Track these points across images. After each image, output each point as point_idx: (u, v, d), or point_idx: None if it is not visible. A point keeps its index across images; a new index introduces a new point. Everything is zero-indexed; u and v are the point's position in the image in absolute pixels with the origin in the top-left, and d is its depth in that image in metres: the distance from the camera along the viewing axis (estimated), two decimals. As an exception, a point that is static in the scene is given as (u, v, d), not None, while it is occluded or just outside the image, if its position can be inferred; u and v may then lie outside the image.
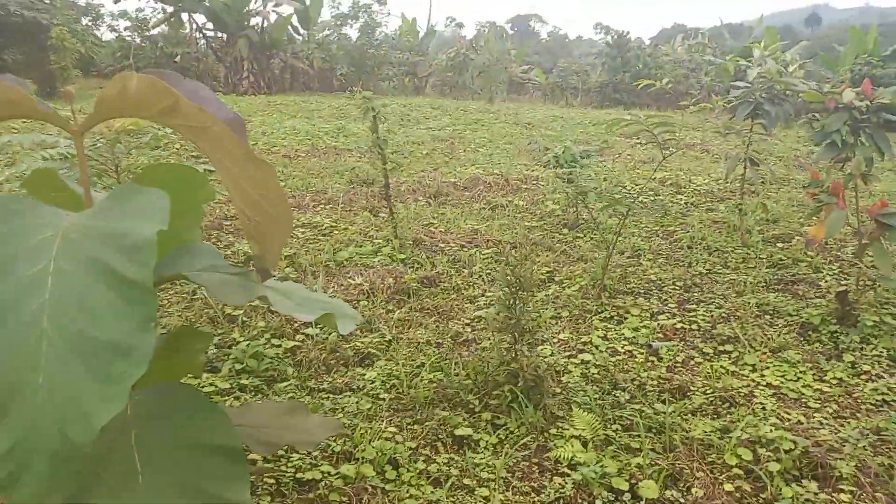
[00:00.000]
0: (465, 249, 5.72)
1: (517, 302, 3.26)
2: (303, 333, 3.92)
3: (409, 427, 3.06)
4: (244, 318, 4.05)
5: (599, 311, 4.62)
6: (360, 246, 5.66)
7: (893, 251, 5.99)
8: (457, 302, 4.69)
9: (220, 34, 22.35)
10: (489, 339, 3.98)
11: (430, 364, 3.60)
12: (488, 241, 5.96)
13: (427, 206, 7.08)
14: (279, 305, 1.78)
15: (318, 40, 23.16)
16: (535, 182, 8.32)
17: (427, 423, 3.08)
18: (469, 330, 4.22)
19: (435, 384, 3.43)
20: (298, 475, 2.62)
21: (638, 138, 11.84)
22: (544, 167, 7.11)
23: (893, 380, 3.80)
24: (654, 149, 11.19)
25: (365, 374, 3.53)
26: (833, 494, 2.78)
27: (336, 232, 6.06)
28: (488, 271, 5.26)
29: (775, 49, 19.52)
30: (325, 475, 2.64)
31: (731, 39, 26.47)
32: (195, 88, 1.70)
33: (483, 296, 4.80)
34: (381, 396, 3.33)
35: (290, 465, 2.71)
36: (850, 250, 5.82)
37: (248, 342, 3.68)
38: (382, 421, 3.09)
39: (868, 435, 3.22)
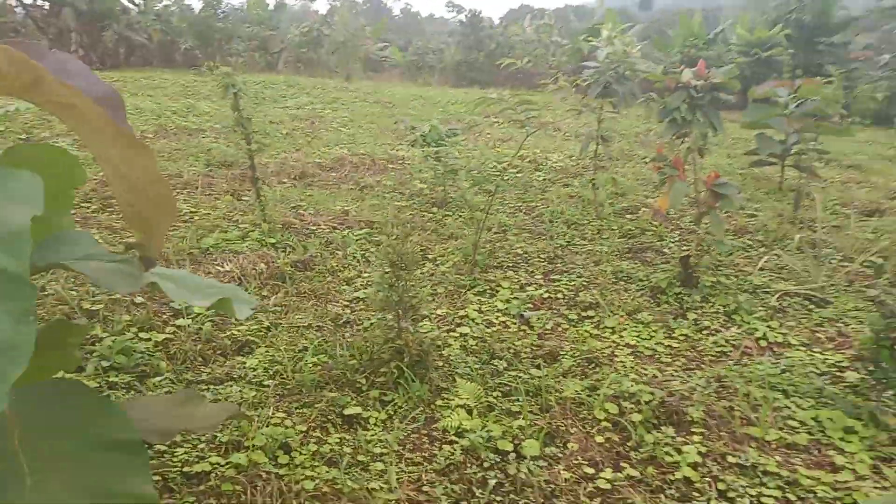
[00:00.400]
0: (338, 231, 5.67)
1: (399, 280, 3.31)
2: (173, 325, 3.73)
3: (297, 411, 3.04)
4: (105, 313, 3.77)
5: (473, 285, 4.80)
6: (226, 231, 5.43)
7: (725, 218, 6.74)
8: (333, 284, 4.67)
9: (40, 2, 20.06)
10: (370, 319, 4.03)
11: (314, 347, 3.57)
12: (360, 221, 5.95)
13: (293, 188, 6.91)
14: (172, 293, 1.70)
15: (157, 11, 21.49)
16: (401, 161, 8.38)
17: (316, 406, 3.07)
18: (349, 311, 4.22)
19: (320, 367, 3.42)
20: (186, 469, 2.52)
21: (496, 118, 12.29)
22: (411, 146, 7.18)
23: (729, 333, 4.31)
24: (511, 128, 11.69)
25: (245, 363, 3.44)
26: (687, 437, 3.14)
27: (197, 218, 5.76)
28: (363, 252, 5.27)
29: (617, 31, 20.92)
30: (215, 466, 2.56)
31: (577, 21, 27.92)
32: (64, 61, 1.57)
33: (360, 277, 4.82)
34: (265, 383, 3.26)
35: (175, 459, 2.60)
36: (689, 219, 6.46)
37: (113, 338, 3.44)
38: (269, 407, 3.04)
39: (712, 382, 3.65)
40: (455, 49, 23.70)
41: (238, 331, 3.76)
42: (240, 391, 3.15)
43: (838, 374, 3.79)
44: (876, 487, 2.84)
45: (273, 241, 5.25)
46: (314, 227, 5.69)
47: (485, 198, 5.63)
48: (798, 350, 4.09)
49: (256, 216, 5.61)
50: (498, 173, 7.89)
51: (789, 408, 3.43)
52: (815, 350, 4.10)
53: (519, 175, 8.07)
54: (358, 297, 4.42)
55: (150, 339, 3.51)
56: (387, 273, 3.32)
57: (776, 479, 2.88)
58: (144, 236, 1.80)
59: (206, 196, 6.45)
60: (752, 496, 2.75)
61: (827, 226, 6.55)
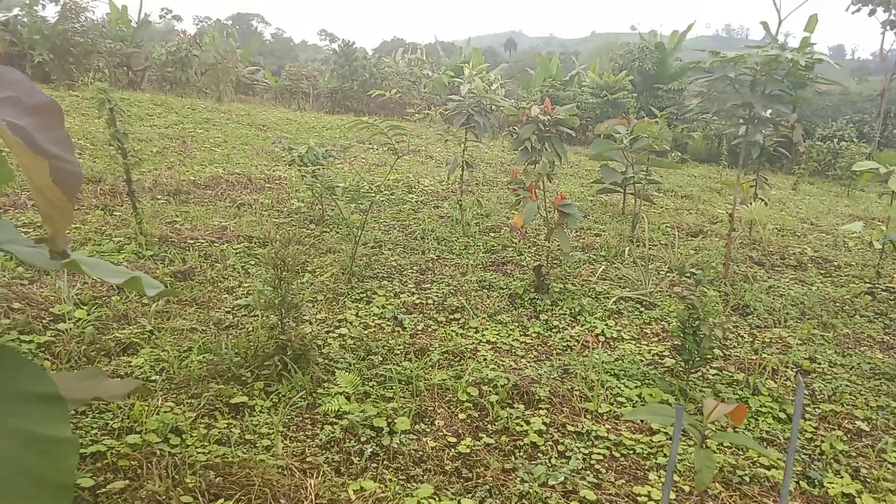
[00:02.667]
0: (216, 245, 5.82)
1: (282, 281, 3.62)
2: (54, 329, 3.77)
3: (186, 402, 3.25)
4: (-23, 319, 3.74)
5: (350, 294, 5.15)
6: (99, 244, 5.42)
7: (575, 237, 7.59)
8: (214, 293, 4.84)
9: None
10: (253, 324, 4.27)
11: (198, 347, 3.77)
12: (239, 236, 6.13)
13: (168, 205, 6.93)
14: (90, 272, 1.95)
15: (4, 21, 20.06)
16: (278, 181, 8.58)
17: (203, 396, 3.29)
18: (231, 317, 4.43)
19: (206, 363, 3.63)
20: (81, 451, 2.68)
21: (370, 144, 12.75)
22: (289, 166, 7.43)
23: (574, 330, 4.98)
24: (385, 153, 12.20)
25: (131, 362, 3.58)
26: (535, 412, 3.68)
27: (67, 232, 5.67)
28: (243, 264, 5.46)
29: (481, 69, 22.23)
30: (110, 448, 2.73)
31: (445, 56, 29.23)
32: (2, 73, 1.80)
33: (240, 287, 5.02)
34: (152, 379, 3.43)
35: (67, 447, 2.73)
36: (542, 235, 7.22)
37: (-10, 341, 3.45)
38: (158, 398, 3.22)
39: (557, 370, 4.25)
40: (329, 77, 24.03)
41: (121, 334, 3.87)
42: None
43: (659, 360, 4.53)
44: (681, 444, 3.51)
45: (150, 253, 5.32)
46: (192, 241, 5.80)
47: (360, 216, 6.03)
48: (629, 343, 4.82)
49: (132, 230, 5.63)
50: (374, 194, 8.32)
51: (619, 388, 4.09)
52: (642, 343, 4.85)
53: (393, 196, 8.54)
54: (240, 305, 4.64)
55: (31, 342, 3.55)
56: (270, 275, 3.62)
57: (606, 441, 3.47)
58: (50, 232, 2.02)
59: (74, 210, 6.32)
60: (584, 454, 3.32)
61: (658, 243, 7.57)
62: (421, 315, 4.96)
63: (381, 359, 4.08)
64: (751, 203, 8.07)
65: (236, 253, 5.67)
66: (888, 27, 21.72)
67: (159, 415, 3.04)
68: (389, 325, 4.67)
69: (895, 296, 6.27)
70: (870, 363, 4.66)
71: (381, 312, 4.87)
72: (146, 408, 3.09)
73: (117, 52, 21.89)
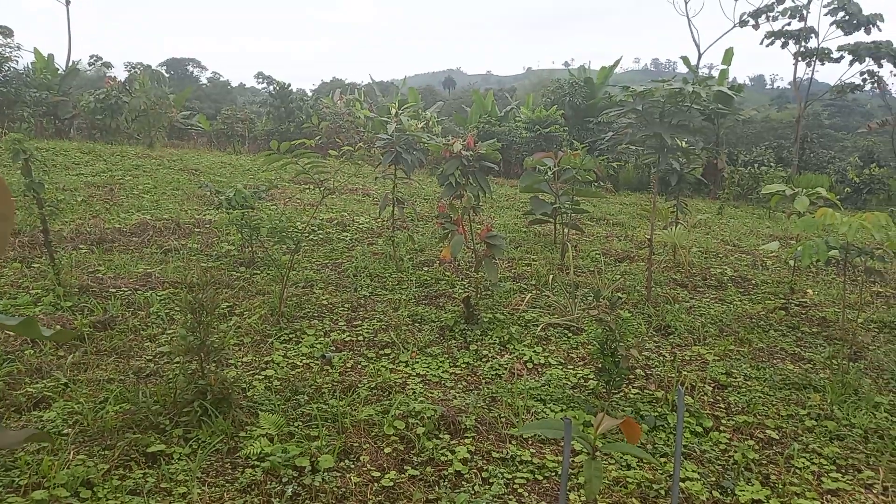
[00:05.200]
0: (140, 292, 5.71)
1: (200, 325, 3.60)
2: (-41, 388, 3.63)
3: (99, 453, 3.16)
4: None
5: (279, 334, 5.13)
6: (15, 297, 5.25)
7: (507, 267, 7.75)
8: (136, 342, 4.74)
9: None
10: (174, 371, 4.19)
11: (115, 397, 3.69)
12: (164, 283, 6.03)
13: (91, 254, 6.77)
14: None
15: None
16: (207, 225, 8.49)
17: (118, 447, 3.22)
18: (152, 365, 4.35)
19: (123, 413, 3.55)
20: (-18, 513, 2.58)
21: (304, 183, 12.75)
22: (217, 210, 7.38)
23: (503, 359, 5.07)
24: (320, 193, 12.23)
25: (43, 416, 3.47)
26: (460, 440, 3.73)
27: (-21, 285, 5.48)
28: (167, 311, 5.37)
29: (417, 107, 22.59)
30: (14, 506, 2.64)
31: (382, 96, 29.62)
32: None
33: (164, 333, 4.93)
34: (63, 432, 3.33)
35: (-33, 508, 2.63)
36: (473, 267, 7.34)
37: None
38: (69, 452, 3.13)
39: (485, 398, 4.32)
40: (266, 119, 23.99)
41: (34, 388, 3.75)
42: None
43: (584, 383, 4.66)
44: (604, 462, 3.61)
45: (69, 304, 5.18)
46: (114, 290, 5.67)
47: (290, 257, 6.02)
48: (556, 368, 4.94)
49: (49, 281, 5.48)
50: (307, 233, 8.32)
51: (545, 412, 4.18)
52: (569, 367, 4.97)
53: (326, 235, 8.56)
54: (162, 352, 4.55)
55: (-69, 401, 3.41)
56: (188, 319, 3.59)
57: (529, 465, 3.54)
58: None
59: (-11, 264, 6.11)
60: (507, 479, 3.38)
61: (587, 270, 7.80)
62: (351, 352, 4.97)
63: (307, 398, 4.06)
64: (672, 228, 8.43)
65: (161, 300, 5.57)
66: (799, 58, 23.18)
67: (70, 468, 2.96)
68: (318, 365, 4.66)
69: (806, 310, 6.62)
70: (781, 375, 4.90)
71: (310, 352, 4.86)
72: (55, 462, 2.99)
73: (43, 101, 21.38)
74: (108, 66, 26.92)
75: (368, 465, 3.38)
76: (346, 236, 8.75)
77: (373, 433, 3.73)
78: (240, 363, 4.52)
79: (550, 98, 23.91)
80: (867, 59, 22.02)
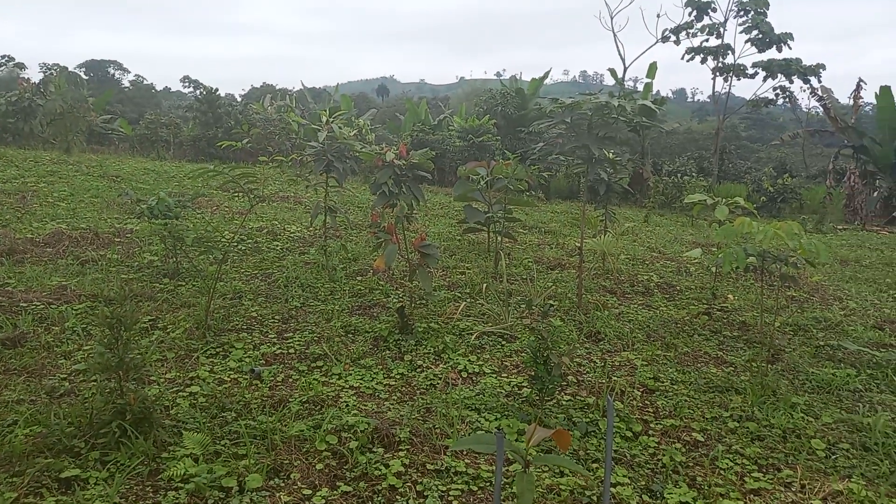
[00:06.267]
0: (54, 307, 5.39)
1: (119, 341, 3.41)
2: None
3: (7, 480, 2.94)
4: None
5: (205, 349, 4.93)
6: (-89, 314, 4.86)
7: (442, 276, 7.74)
8: (49, 360, 4.46)
9: None
10: (91, 390, 3.96)
11: (25, 420, 3.45)
12: (80, 296, 5.71)
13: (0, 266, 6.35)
14: None
15: None
16: (128, 235, 8.11)
17: (28, 473, 3.00)
18: (67, 384, 4.10)
19: (34, 436, 3.32)
20: None
21: (233, 190, 12.40)
22: (138, 219, 7.06)
23: (438, 368, 5.04)
24: (250, 201, 11.91)
25: (-59, 444, 3.20)
26: (395, 453, 3.67)
27: None
28: (84, 326, 5.09)
29: (350, 114, 22.40)
30: None
31: (314, 103, 29.22)
32: None
33: (80, 350, 4.66)
34: (-36, 462, 3.08)
35: None
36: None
37: None
38: (-30, 483, 2.90)
39: (419, 409, 4.28)
40: (193, 124, 23.25)
41: (-70, 414, 3.46)
42: (-67, 472, 2.95)
43: (518, 391, 4.69)
44: (536, 471, 3.62)
45: (-27, 320, 4.83)
46: (25, 304, 5.33)
47: (218, 267, 5.81)
48: (490, 377, 4.95)
49: (-49, 296, 5.10)
50: (235, 243, 8.07)
51: (479, 421, 4.18)
52: (503, 375, 4.99)
53: (256, 244, 8.33)
54: (78, 370, 4.30)
55: None
56: (106, 335, 3.40)
57: (464, 476, 3.52)
58: None
59: None
60: (442, 491, 3.34)
61: (520, 278, 7.89)
62: (281, 365, 4.83)
63: (235, 415, 3.92)
64: (601, 236, 8.65)
65: (77, 314, 5.27)
66: (717, 73, 24.33)
67: (-30, 501, 2.74)
68: (246, 379, 4.51)
69: (727, 315, 6.91)
70: (705, 378, 5.07)
71: (239, 366, 4.70)
72: (-46, 494, 2.77)
73: (-53, 104, 20.03)
74: (21, 66, 25.54)
75: (299, 483, 3.28)
76: (277, 245, 8.55)
77: (304, 449, 3.63)
78: (163, 380, 4.32)
79: (483, 108, 24.20)
80: (779, 75, 23.34)
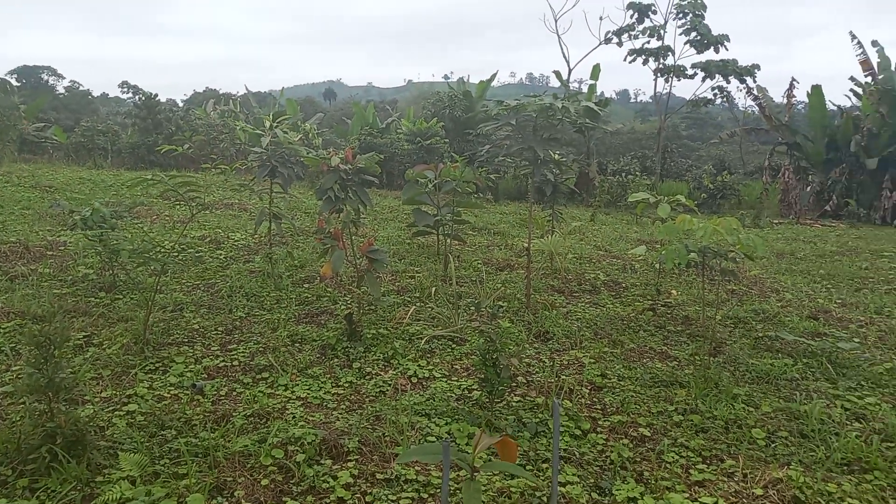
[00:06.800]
0: (-21, 326, 5.11)
1: (49, 360, 3.25)
2: None
3: (-78, 517, 2.76)
4: None
5: (143, 364, 4.76)
6: None
7: (391, 280, 7.68)
8: (-27, 382, 4.22)
9: None
10: (19, 413, 3.77)
11: (-57, 449, 3.25)
12: (9, 313, 5.44)
13: (-81, 284, 5.99)
14: None
15: None
16: (62, 248, 7.78)
17: (-54, 507, 2.82)
18: (-7, 407, 3.88)
19: (-48, 467, 3.13)
20: None
21: (174, 199, 12.06)
22: (71, 231, 6.78)
23: (387, 375, 4.99)
24: (195, 209, 11.60)
25: None
26: (343, 464, 3.60)
27: None
28: (12, 345, 4.84)
29: (296, 119, 22.08)
30: None
31: (259, 108, 28.71)
32: None
33: (8, 371, 4.43)
34: None
35: None
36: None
37: None
38: None
39: (368, 417, 4.22)
40: (132, 131, 22.54)
41: None
42: None
43: (468, 394, 4.67)
44: (487, 475, 3.61)
45: None
46: (-52, 325, 5.04)
47: (157, 278, 5.61)
48: (440, 381, 4.92)
49: None
50: (176, 253, 7.84)
51: (430, 427, 4.14)
52: (453, 379, 4.97)
53: (198, 254, 8.10)
54: (5, 392, 4.08)
55: None
56: (34, 355, 3.23)
57: (414, 484, 3.48)
58: None
59: None
60: (392, 501, 3.29)
61: (469, 280, 7.89)
62: (225, 378, 4.70)
63: (175, 432, 3.78)
64: (549, 236, 8.73)
65: (4, 333, 5.01)
66: (658, 74, 24.96)
67: None
68: (188, 395, 4.36)
69: (671, 310, 7.06)
70: (651, 373, 5.16)
71: (179, 381, 4.54)
72: None
73: None
74: (-57, 73, 24.34)
75: (243, 501, 3.19)
76: (221, 254, 8.34)
77: (249, 465, 3.53)
78: (97, 399, 4.14)
79: (431, 110, 24.23)
80: (717, 75, 24.09)
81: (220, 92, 46.10)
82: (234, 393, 4.50)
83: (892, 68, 20.94)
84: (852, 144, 20.58)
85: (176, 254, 7.80)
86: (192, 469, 3.37)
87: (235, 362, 4.99)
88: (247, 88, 31.40)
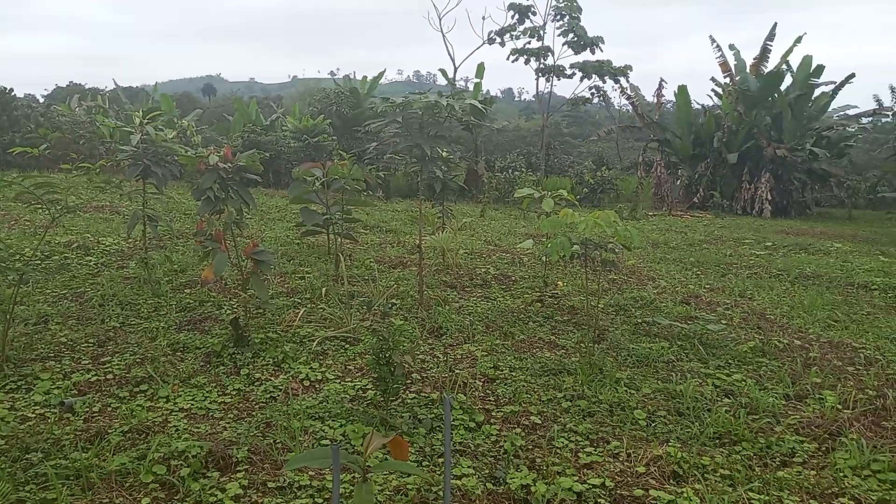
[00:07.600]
0: None
1: None
2: None
3: None
4: None
5: (3, 383, 4.33)
6: None
7: (280, 282, 7.45)
8: None
9: None
10: None
11: None
12: None
13: None
14: None
15: None
16: None
17: None
18: None
19: None
20: None
21: (33, 202, 11.08)
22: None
23: (278, 380, 4.83)
24: (57, 212, 10.69)
25: None
26: (231, 476, 3.44)
27: None
28: None
29: (171, 115, 20.93)
30: None
31: (131, 103, 26.96)
32: None
33: None
34: None
35: None
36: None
37: None
38: None
39: (258, 425, 4.06)
40: (-19, 129, 20.48)
41: None
42: None
43: (363, 394, 4.61)
44: (383, 475, 3.58)
45: None
46: None
47: (15, 289, 5.12)
48: (334, 383, 4.83)
49: None
50: (37, 261, 7.20)
51: (323, 430, 4.05)
52: (346, 380, 4.89)
53: (64, 261, 7.48)
54: None
55: None
56: None
57: (308, 490, 3.38)
58: None
59: None
60: (286, 508, 3.19)
61: (362, 279, 7.81)
62: (98, 393, 4.37)
63: (42, 455, 3.46)
64: (440, 233, 8.81)
65: None
66: (540, 74, 25.85)
67: None
68: (56, 413, 4.02)
69: (558, 301, 7.33)
70: (540, 363, 5.33)
71: (45, 399, 4.17)
72: None
73: None
74: None
75: (122, 523, 2.97)
76: (90, 261, 7.75)
77: (127, 484, 3.29)
78: (-53, 426, 3.72)
79: (318, 107, 23.77)
80: (594, 75, 25.28)
81: (87, 87, 42.89)
82: (109, 408, 4.19)
83: (747, 70, 22.86)
84: (715, 140, 22.27)
85: (38, 262, 7.17)
86: (63, 493, 3.11)
87: (110, 376, 4.65)
88: (115, 83, 29.34)
